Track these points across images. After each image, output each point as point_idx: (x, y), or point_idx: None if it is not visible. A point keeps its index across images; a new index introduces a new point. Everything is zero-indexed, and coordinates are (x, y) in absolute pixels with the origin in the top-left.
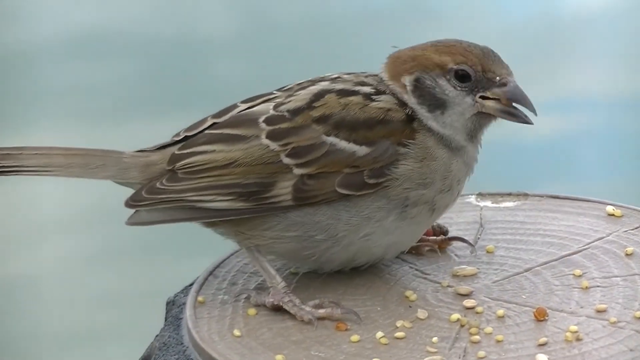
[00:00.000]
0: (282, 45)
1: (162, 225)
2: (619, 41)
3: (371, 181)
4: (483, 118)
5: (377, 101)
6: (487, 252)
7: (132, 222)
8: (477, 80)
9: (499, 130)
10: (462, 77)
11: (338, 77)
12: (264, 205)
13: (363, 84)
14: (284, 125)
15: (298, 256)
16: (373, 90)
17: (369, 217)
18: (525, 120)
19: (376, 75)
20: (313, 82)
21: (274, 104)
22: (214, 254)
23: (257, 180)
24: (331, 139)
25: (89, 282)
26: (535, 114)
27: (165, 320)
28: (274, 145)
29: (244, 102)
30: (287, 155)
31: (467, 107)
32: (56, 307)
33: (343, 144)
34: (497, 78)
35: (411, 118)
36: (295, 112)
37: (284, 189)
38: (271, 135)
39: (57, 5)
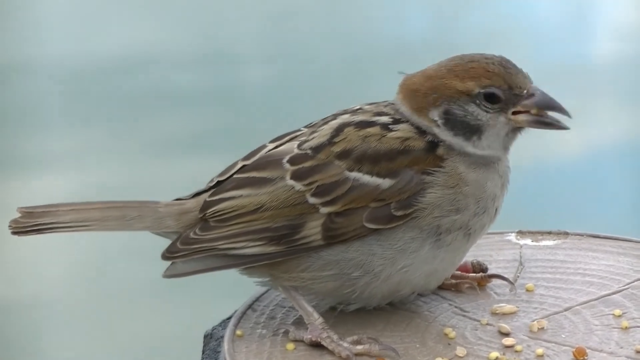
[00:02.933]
0: (316, 83)
1: None
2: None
3: (399, 213)
4: (517, 130)
5: (395, 131)
6: (527, 290)
7: (168, 274)
8: (506, 98)
9: (537, 168)
10: (491, 99)
11: (359, 109)
12: (295, 247)
13: (381, 114)
14: (307, 164)
15: (339, 294)
16: (391, 120)
17: (403, 249)
18: (560, 126)
19: (393, 104)
20: (335, 115)
21: (298, 142)
22: (252, 287)
23: (286, 223)
24: (354, 174)
25: (128, 314)
26: (570, 117)
27: (203, 353)
28: (299, 186)
29: (272, 141)
30: (313, 195)
31: (502, 127)
32: (94, 338)
33: (366, 178)
34: (524, 92)
35: (434, 145)
36: (317, 148)
37: (313, 229)
38: (295, 176)
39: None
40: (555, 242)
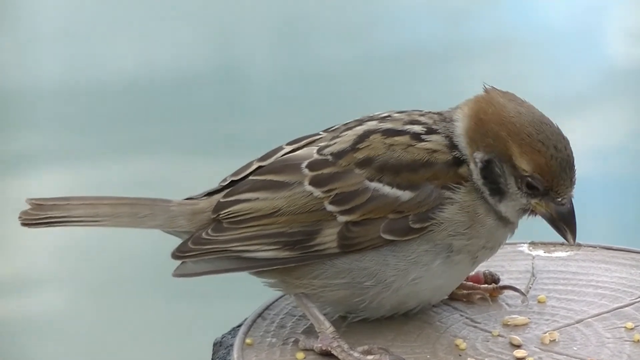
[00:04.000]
0: (327, 88)
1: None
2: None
3: (416, 226)
4: (533, 213)
5: (426, 141)
6: (539, 302)
7: (178, 273)
8: (542, 192)
9: None
10: (530, 185)
11: (388, 116)
12: (309, 254)
13: (415, 122)
14: (326, 171)
15: (348, 303)
16: (424, 130)
17: (416, 262)
18: (566, 238)
19: (440, 114)
20: (360, 121)
21: (317, 147)
22: (262, 295)
23: (301, 229)
24: (374, 185)
25: (137, 320)
26: (574, 242)
27: None
28: (317, 192)
29: (289, 143)
30: (331, 203)
31: (522, 205)
32: (99, 342)
33: (386, 189)
34: (559, 199)
35: (459, 161)
36: (339, 155)
37: (329, 237)
38: (314, 182)
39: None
40: (567, 253)
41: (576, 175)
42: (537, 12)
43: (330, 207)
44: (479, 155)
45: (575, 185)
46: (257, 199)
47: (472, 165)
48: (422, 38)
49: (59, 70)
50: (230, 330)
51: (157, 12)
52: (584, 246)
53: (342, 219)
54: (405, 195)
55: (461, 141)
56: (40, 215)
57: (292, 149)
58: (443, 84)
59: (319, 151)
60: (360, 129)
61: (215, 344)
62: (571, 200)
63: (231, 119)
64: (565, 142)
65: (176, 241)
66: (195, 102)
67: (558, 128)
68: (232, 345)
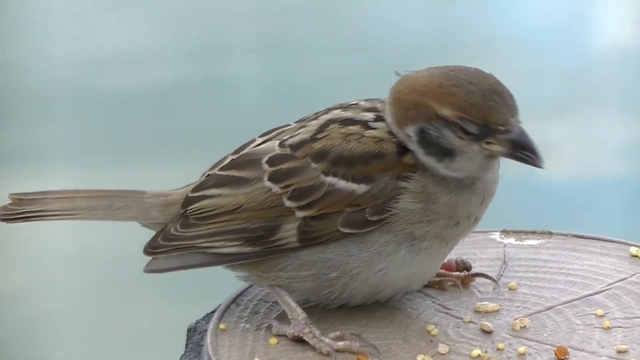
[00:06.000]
0: (316, 98)
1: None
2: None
3: (373, 218)
4: (493, 157)
5: (373, 129)
6: (510, 289)
7: (149, 269)
8: (481, 131)
9: (522, 169)
10: (466, 130)
11: (354, 104)
12: (271, 248)
13: (371, 110)
14: (285, 166)
15: (319, 294)
16: (374, 117)
17: (379, 252)
18: (534, 164)
19: (382, 101)
20: (328, 110)
21: (279, 140)
22: (236, 282)
23: (262, 224)
24: (330, 179)
25: (111, 308)
26: (541, 160)
27: (186, 346)
28: (275, 188)
29: (261, 135)
30: (289, 198)
31: (475, 154)
32: (75, 332)
33: (341, 183)
34: (500, 128)
35: (404, 149)
36: (297, 146)
37: (289, 232)
38: (273, 177)
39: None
40: (539, 241)
41: (515, 101)
42: (522, 12)
43: (288, 203)
44: (409, 129)
45: (517, 111)
46: (220, 195)
47: (410, 145)
48: (410, 28)
49: (59, 74)
50: (205, 316)
51: (146, 22)
52: (555, 234)
53: (300, 214)
54: (361, 188)
55: (393, 127)
56: (18, 210)
57: (262, 141)
58: None
59: (280, 144)
60: (323, 118)
61: (189, 330)
62: (519, 126)
63: (216, 106)
64: (483, 75)
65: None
66: (183, 111)
67: (477, 69)
68: (205, 330)
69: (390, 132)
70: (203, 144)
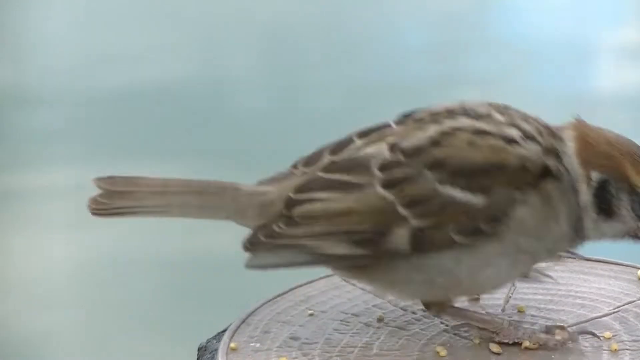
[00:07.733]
0: (313, 103)
1: (193, 271)
2: None
3: (488, 229)
4: (634, 239)
5: (522, 147)
6: (519, 311)
7: (251, 265)
8: None
9: None
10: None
11: (488, 115)
12: (381, 252)
13: (514, 126)
14: (398, 172)
15: (423, 297)
16: (521, 135)
17: (487, 260)
18: None
19: (548, 128)
20: (452, 114)
21: (389, 144)
22: (246, 300)
23: (373, 228)
24: (447, 190)
25: (122, 325)
26: None
27: None
28: (389, 195)
29: (359, 136)
30: (403, 206)
31: (627, 229)
32: (84, 349)
33: (459, 194)
34: None
35: (547, 172)
36: (412, 152)
37: (400, 237)
38: (386, 184)
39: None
40: (547, 264)
41: None
42: (526, 26)
43: (402, 210)
44: (594, 175)
45: None
46: (329, 199)
47: (583, 186)
48: (411, 69)
49: (59, 74)
50: (215, 335)
51: (146, 22)
52: (564, 257)
53: (414, 222)
54: (478, 200)
55: (573, 161)
56: (110, 205)
57: (363, 142)
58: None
59: (391, 148)
60: (447, 125)
61: (200, 349)
62: None
63: (220, 128)
64: None
65: (171, 242)
66: (183, 111)
67: None
68: (216, 349)
69: (541, 157)
70: (203, 144)
